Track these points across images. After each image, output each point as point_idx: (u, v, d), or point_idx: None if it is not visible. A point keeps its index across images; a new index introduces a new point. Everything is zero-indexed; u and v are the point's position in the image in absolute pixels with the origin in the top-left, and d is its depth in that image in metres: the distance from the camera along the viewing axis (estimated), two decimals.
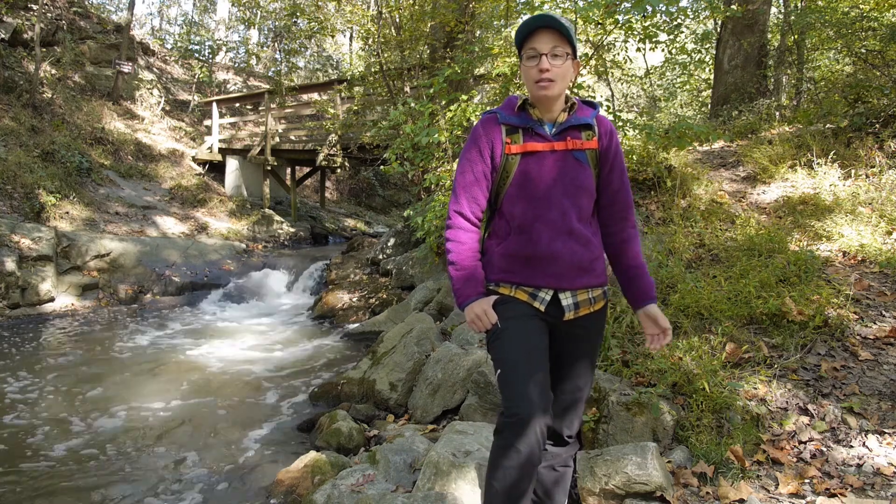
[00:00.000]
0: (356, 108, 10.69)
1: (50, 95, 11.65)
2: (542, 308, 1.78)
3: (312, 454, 3.08)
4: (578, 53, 1.85)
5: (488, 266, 1.86)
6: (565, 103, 1.82)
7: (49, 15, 13.29)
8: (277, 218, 11.77)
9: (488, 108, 5.79)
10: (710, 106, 9.97)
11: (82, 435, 3.81)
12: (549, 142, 1.77)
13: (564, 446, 1.93)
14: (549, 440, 1.92)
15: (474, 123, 5.89)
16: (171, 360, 5.44)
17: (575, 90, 5.13)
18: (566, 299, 1.79)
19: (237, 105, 16.30)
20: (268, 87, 15.66)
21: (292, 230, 11.73)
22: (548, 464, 1.93)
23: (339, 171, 12.61)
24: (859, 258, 3.89)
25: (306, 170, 14.02)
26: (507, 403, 1.70)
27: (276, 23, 20.02)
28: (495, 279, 1.84)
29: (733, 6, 8.07)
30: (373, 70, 9.45)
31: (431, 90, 5.45)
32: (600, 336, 1.92)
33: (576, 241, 1.76)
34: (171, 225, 10.38)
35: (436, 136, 5.23)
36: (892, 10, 7.45)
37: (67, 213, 9.07)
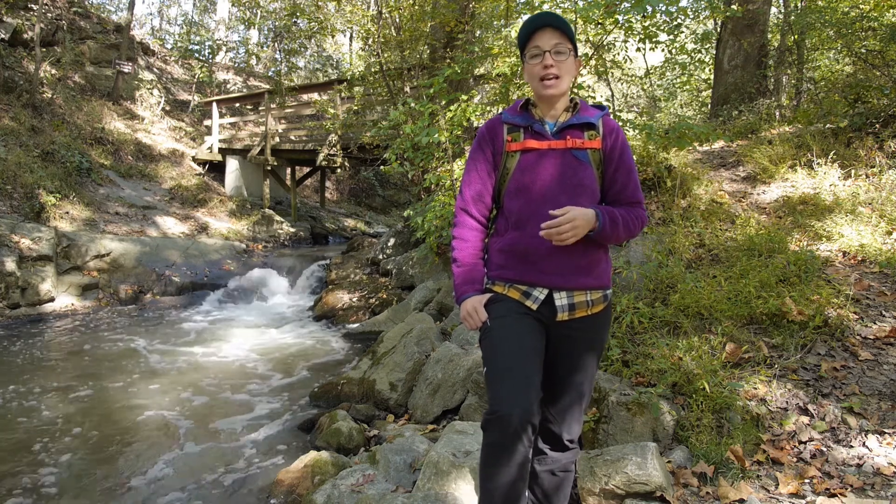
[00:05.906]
0: (356, 108, 10.68)
1: (50, 95, 11.65)
2: (535, 307, 1.77)
3: (312, 454, 3.08)
4: (578, 53, 1.87)
5: (488, 263, 1.88)
6: (569, 103, 1.84)
7: (49, 15, 13.29)
8: (277, 218, 11.77)
9: (488, 109, 5.81)
10: (710, 106, 9.97)
11: (82, 436, 3.81)
12: (548, 140, 1.78)
13: (564, 451, 1.90)
14: (548, 444, 1.90)
15: (474, 123, 5.91)
16: (170, 361, 5.44)
17: (575, 90, 5.13)
18: (560, 299, 1.77)
19: (237, 105, 16.30)
20: (268, 87, 15.67)
21: (292, 230, 11.73)
22: (547, 468, 1.91)
23: (339, 171, 12.62)
24: (859, 258, 3.89)
25: (306, 170, 14.02)
26: (490, 401, 1.70)
27: (276, 23, 20.03)
28: (492, 276, 1.85)
29: (733, 6, 8.07)
30: (373, 70, 9.44)
31: (431, 90, 5.44)
32: (600, 340, 1.87)
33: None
34: (171, 225, 10.38)
35: (436, 136, 5.22)
36: (892, 10, 7.45)
37: (67, 213, 9.07)
